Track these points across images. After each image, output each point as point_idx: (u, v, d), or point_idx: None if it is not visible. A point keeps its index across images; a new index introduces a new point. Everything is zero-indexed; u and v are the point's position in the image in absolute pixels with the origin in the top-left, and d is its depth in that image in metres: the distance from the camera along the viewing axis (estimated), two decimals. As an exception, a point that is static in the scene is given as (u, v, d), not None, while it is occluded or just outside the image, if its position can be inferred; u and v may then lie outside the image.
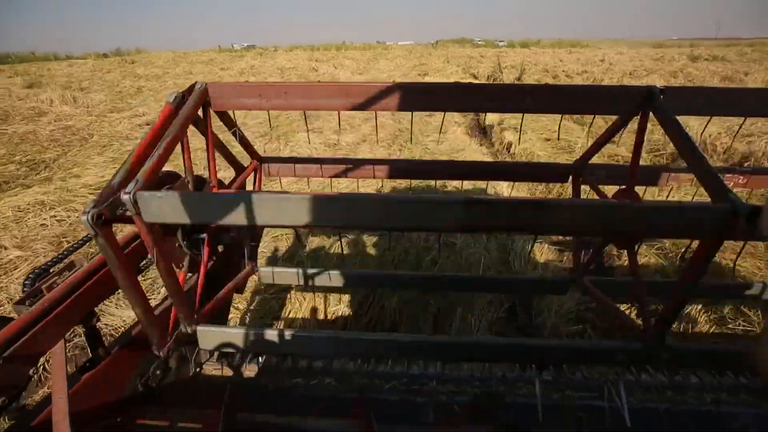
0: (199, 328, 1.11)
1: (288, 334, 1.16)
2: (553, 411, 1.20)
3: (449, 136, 5.67)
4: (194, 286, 1.23)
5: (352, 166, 1.64)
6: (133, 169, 0.91)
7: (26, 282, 0.92)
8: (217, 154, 1.30)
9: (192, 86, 1.14)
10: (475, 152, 4.95)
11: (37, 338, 0.84)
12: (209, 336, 1.15)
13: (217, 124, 1.25)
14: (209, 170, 1.25)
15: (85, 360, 1.01)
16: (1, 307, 2.06)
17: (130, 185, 0.83)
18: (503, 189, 3.49)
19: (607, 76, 12.43)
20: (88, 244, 1.13)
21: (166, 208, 0.84)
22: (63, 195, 3.37)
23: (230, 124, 1.32)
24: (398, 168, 1.61)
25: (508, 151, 5.27)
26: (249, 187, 1.52)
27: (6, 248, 2.48)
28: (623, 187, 1.27)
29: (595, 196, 1.37)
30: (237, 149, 1.43)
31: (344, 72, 13.60)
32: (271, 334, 1.16)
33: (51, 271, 0.97)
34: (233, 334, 1.17)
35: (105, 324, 1.97)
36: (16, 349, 0.79)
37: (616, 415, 1.18)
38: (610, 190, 1.40)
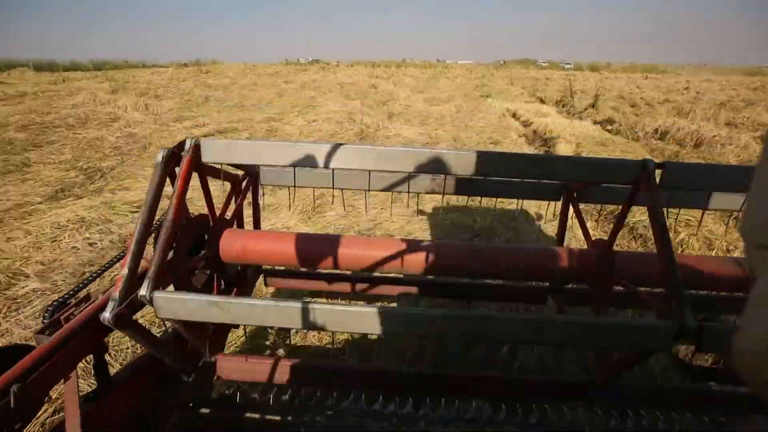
0: (156, 293, 1.01)
1: (273, 303, 1.02)
2: None
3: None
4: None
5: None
6: (140, 249, 1.01)
7: (46, 313, 0.97)
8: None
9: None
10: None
11: (55, 367, 0.89)
12: (166, 302, 1.03)
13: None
14: (209, 209, 1.34)
15: (91, 390, 1.06)
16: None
17: (145, 285, 0.96)
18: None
19: (698, 106, 10.98)
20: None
21: (179, 308, 0.97)
22: (105, 212, 3.22)
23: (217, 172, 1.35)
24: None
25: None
26: (248, 197, 1.59)
27: (27, 277, 2.29)
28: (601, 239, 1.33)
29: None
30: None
31: (404, 90, 13.34)
32: (250, 304, 1.01)
33: (69, 302, 1.02)
34: (195, 301, 1.02)
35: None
36: (35, 376, 0.83)
37: None
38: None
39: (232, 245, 1.34)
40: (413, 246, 1.32)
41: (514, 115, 9.93)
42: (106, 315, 0.90)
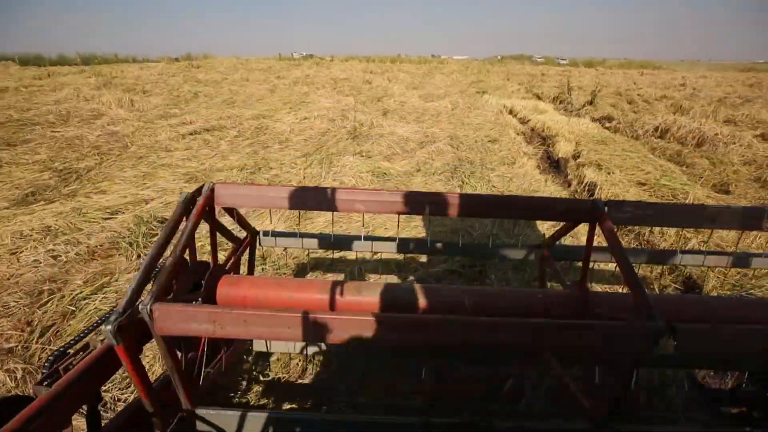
0: (198, 410, 1.14)
1: (290, 417, 1.21)
2: None
3: (518, 171, 4.82)
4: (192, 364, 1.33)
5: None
6: (149, 271, 1.08)
7: (46, 364, 0.98)
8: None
9: (201, 187, 1.30)
10: (553, 196, 4.07)
11: (53, 417, 0.89)
12: (209, 417, 1.18)
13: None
14: (212, 256, 1.44)
15: None
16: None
17: (147, 297, 1.00)
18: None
19: (696, 103, 10.84)
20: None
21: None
22: (74, 219, 2.98)
23: (231, 211, 1.50)
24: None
25: (591, 195, 4.33)
26: (245, 258, 1.75)
27: (-24, 297, 2.05)
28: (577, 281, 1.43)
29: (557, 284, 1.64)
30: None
31: (398, 86, 13.08)
32: (275, 417, 1.21)
33: (68, 352, 1.02)
34: (232, 416, 1.20)
35: None
36: (35, 427, 0.83)
37: None
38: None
39: (229, 291, 1.41)
40: (405, 289, 1.41)
41: (510, 112, 9.73)
42: (108, 327, 0.90)
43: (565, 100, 11.74)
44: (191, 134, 6.06)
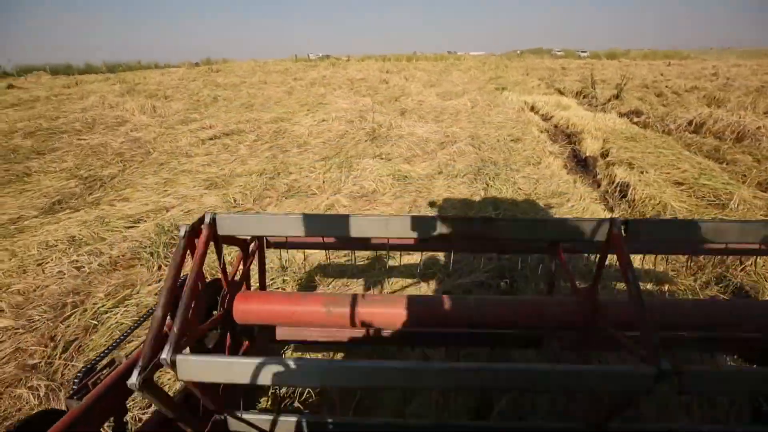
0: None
1: (321, 421, 1.25)
2: None
3: (544, 171, 4.62)
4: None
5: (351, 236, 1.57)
6: (163, 318, 1.08)
7: (75, 379, 1.04)
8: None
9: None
10: (584, 198, 3.86)
11: (85, 429, 0.95)
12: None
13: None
14: (222, 276, 1.42)
15: None
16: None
17: (166, 350, 1.01)
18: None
19: (732, 94, 10.26)
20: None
21: (199, 371, 1.03)
22: (98, 229, 3.00)
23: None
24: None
25: (624, 197, 4.10)
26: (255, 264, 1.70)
27: (1, 311, 2.05)
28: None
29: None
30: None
31: (415, 84, 12.92)
32: (306, 421, 1.25)
33: (96, 367, 1.09)
34: (263, 420, 1.26)
35: None
36: None
37: None
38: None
39: (246, 307, 1.43)
40: (423, 301, 1.43)
41: (532, 109, 9.44)
42: (134, 380, 0.94)
43: (589, 95, 11.33)
44: (211, 139, 6.11)
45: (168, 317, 1.12)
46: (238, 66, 23.36)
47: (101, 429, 1.04)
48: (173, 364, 1.00)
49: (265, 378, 1.01)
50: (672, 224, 1.32)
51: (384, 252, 1.75)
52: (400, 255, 2.11)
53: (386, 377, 1.01)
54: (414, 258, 2.52)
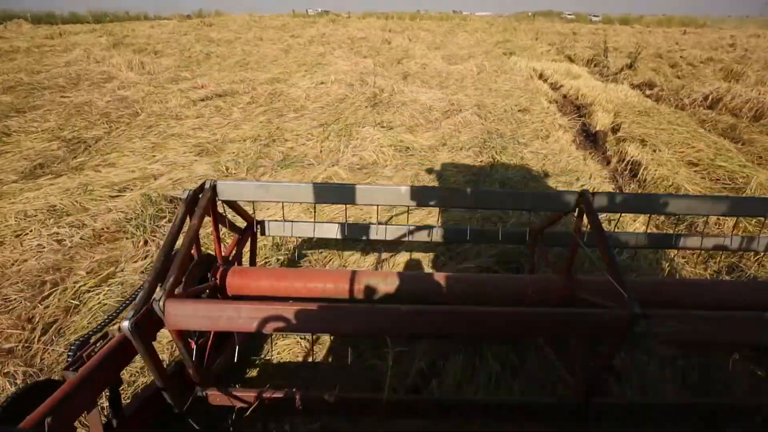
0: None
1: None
2: None
3: (553, 146, 4.40)
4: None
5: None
6: (161, 268, 1.13)
7: (69, 352, 1.05)
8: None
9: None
10: (594, 177, 3.69)
11: (82, 398, 0.97)
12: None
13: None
14: (215, 249, 1.50)
15: (106, 422, 1.10)
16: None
17: (159, 291, 1.07)
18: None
19: (750, 68, 9.81)
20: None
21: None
22: (81, 198, 2.82)
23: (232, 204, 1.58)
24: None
25: (635, 177, 3.92)
26: (247, 248, 1.79)
27: (-25, 289, 1.92)
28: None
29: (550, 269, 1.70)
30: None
31: (419, 46, 12.27)
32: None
33: (89, 341, 1.09)
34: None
35: None
36: (66, 407, 0.91)
37: None
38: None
39: (239, 281, 1.49)
40: (406, 277, 1.50)
41: (541, 76, 9.02)
42: (125, 324, 0.97)
43: (601, 63, 10.83)
44: (202, 100, 5.77)
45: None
46: (233, 20, 22.07)
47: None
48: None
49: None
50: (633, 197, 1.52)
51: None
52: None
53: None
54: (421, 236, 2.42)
